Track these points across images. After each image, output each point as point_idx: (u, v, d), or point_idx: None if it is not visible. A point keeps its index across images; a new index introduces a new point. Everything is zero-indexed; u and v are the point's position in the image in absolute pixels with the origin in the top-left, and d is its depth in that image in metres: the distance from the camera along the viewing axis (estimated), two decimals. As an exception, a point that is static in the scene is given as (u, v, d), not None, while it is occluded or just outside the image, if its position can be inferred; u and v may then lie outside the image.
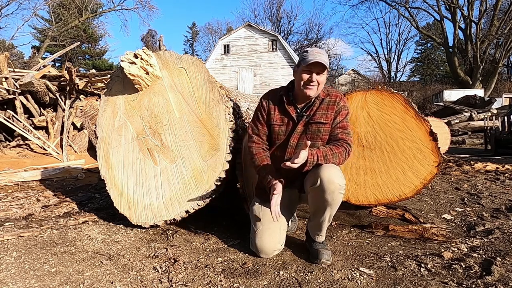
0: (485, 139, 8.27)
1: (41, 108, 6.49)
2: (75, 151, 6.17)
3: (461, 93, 17.87)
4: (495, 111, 11.80)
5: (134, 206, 2.33)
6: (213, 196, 2.19)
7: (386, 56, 37.66)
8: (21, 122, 5.97)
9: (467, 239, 2.06)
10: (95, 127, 4.80)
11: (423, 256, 1.82)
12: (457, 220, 2.48)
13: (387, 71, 37.55)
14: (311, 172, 1.74)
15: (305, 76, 1.79)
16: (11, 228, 2.35)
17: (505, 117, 7.86)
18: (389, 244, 2.03)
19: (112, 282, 1.60)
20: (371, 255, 1.87)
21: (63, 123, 6.37)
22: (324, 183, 1.66)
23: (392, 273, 1.65)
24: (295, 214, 2.29)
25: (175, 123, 2.28)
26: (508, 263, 1.70)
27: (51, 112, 6.57)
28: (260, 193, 2.01)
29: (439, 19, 24.86)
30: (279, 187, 1.78)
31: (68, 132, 6.30)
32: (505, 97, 19.69)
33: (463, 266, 1.68)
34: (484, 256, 1.79)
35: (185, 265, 1.77)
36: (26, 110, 6.24)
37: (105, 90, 2.53)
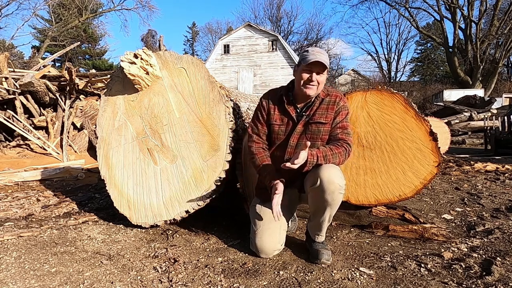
0: (485, 139, 8.27)
1: (41, 108, 6.50)
2: (75, 151, 6.17)
3: (461, 93, 17.87)
4: (495, 111, 11.80)
5: (134, 206, 2.33)
6: (213, 196, 2.19)
7: (386, 56, 37.70)
8: (21, 122, 5.97)
9: (467, 239, 2.06)
10: (95, 127, 4.80)
11: (423, 256, 1.82)
12: (457, 220, 2.48)
13: (387, 71, 37.58)
14: (311, 172, 1.74)
15: (305, 76, 1.79)
16: (11, 228, 2.35)
17: (505, 117, 7.86)
18: (389, 244, 2.03)
19: (112, 282, 1.60)
20: (371, 255, 1.87)
21: (63, 123, 6.37)
22: (324, 183, 1.66)
23: (392, 273, 1.65)
24: (295, 214, 2.29)
25: (175, 123, 2.28)
26: (508, 263, 1.70)
27: (51, 112, 6.57)
28: (260, 193, 2.01)
29: (439, 19, 24.86)
30: (280, 187, 1.77)
31: (68, 132, 6.30)
32: (505, 97, 19.70)
33: (463, 266, 1.68)
34: (484, 256, 1.79)
35: (185, 265, 1.77)
36: (26, 110, 6.25)
37: (105, 90, 2.53)
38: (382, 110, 2.37)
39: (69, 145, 6.17)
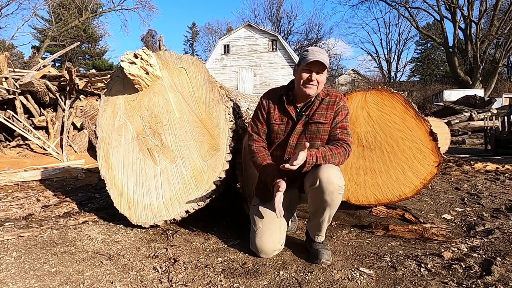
0: (485, 139, 8.27)
1: (41, 108, 6.50)
2: (75, 151, 6.17)
3: (461, 93, 17.87)
4: (495, 111, 11.81)
5: (134, 206, 2.33)
6: (213, 196, 2.19)
7: (386, 56, 37.69)
8: (21, 122, 5.97)
9: (467, 239, 2.06)
10: (95, 127, 4.80)
11: (423, 256, 1.82)
12: (457, 220, 2.48)
13: (387, 71, 37.58)
14: (310, 173, 1.74)
15: (305, 75, 1.79)
16: (11, 228, 2.35)
17: (505, 117, 7.86)
18: (389, 244, 2.03)
19: (112, 282, 1.60)
20: (371, 255, 1.87)
21: (63, 123, 6.37)
22: (323, 183, 1.66)
23: (392, 273, 1.65)
24: (295, 214, 2.29)
25: (175, 123, 2.28)
26: (508, 263, 1.70)
27: (51, 112, 6.57)
28: (260, 193, 2.00)
29: (439, 19, 24.86)
30: (283, 185, 1.76)
31: (68, 132, 6.30)
32: (505, 97, 19.70)
33: (463, 266, 1.68)
34: (484, 256, 1.79)
35: (185, 265, 1.77)
36: (26, 110, 6.25)
37: (105, 90, 2.53)
38: (382, 110, 2.37)
39: (69, 145, 6.17)
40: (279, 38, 25.88)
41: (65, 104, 6.57)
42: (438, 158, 2.30)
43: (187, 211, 2.19)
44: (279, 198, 1.74)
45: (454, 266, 1.68)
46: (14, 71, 6.78)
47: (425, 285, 1.52)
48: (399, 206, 2.60)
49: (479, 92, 18.34)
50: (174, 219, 2.23)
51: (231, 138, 2.14)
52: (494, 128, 8.23)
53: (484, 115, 10.83)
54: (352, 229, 2.31)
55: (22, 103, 6.13)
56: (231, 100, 2.33)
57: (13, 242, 2.08)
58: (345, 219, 2.55)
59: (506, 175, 4.23)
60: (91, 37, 32.63)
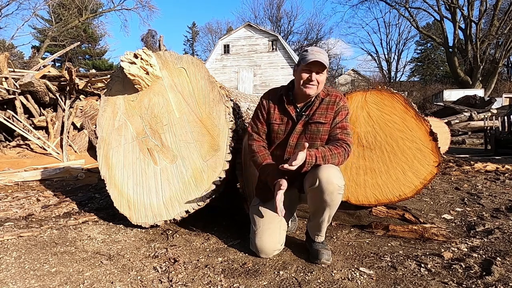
0: (485, 139, 8.27)
1: (41, 108, 6.50)
2: (75, 151, 6.17)
3: (461, 93, 17.87)
4: (495, 111, 11.81)
5: (134, 206, 2.33)
6: (213, 196, 2.19)
7: (386, 56, 37.70)
8: (21, 122, 5.97)
9: (467, 239, 2.06)
10: (95, 127, 4.80)
11: (423, 256, 1.82)
12: (457, 220, 2.48)
13: (387, 71, 37.58)
14: (310, 173, 1.73)
15: (305, 75, 1.79)
16: (11, 228, 2.35)
17: (505, 117, 7.86)
18: (389, 244, 2.03)
19: (112, 282, 1.60)
20: (371, 255, 1.87)
21: (63, 123, 6.37)
22: (322, 184, 1.65)
23: (392, 273, 1.65)
24: (295, 214, 2.29)
25: (175, 123, 2.28)
26: (508, 263, 1.70)
27: (51, 112, 6.57)
28: (260, 193, 2.00)
29: (439, 19, 24.86)
30: (284, 184, 1.76)
31: (68, 132, 6.30)
32: (505, 97, 19.70)
33: (463, 266, 1.68)
34: (484, 256, 1.79)
35: (185, 265, 1.77)
36: (26, 110, 6.25)
37: (105, 90, 2.53)
38: (382, 110, 2.37)
39: (69, 145, 6.17)
40: (279, 38, 25.88)
41: (65, 104, 6.58)
42: (438, 158, 2.30)
43: (187, 211, 2.19)
44: (280, 196, 1.74)
45: (454, 266, 1.68)
46: (14, 71, 6.78)
47: (425, 285, 1.52)
48: (399, 206, 2.60)
49: (479, 92, 18.34)
50: (174, 219, 2.23)
51: (231, 138, 2.14)
52: (494, 128, 8.23)
53: (484, 115, 10.83)
54: (352, 229, 2.31)
55: (22, 103, 6.13)
56: (231, 100, 2.33)
57: (13, 242, 2.08)
58: (345, 219, 2.55)
59: (506, 175, 4.23)
60: (91, 37, 32.63)
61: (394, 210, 2.52)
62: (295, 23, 43.86)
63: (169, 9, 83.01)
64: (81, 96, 7.14)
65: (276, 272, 1.68)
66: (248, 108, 2.82)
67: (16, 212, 2.77)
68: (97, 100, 7.08)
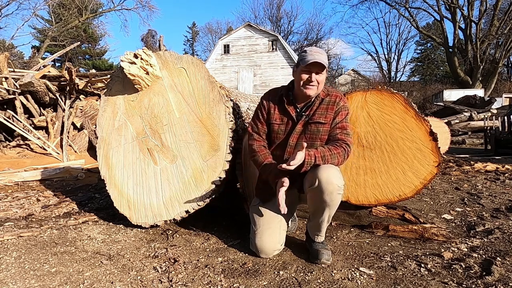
0: (485, 139, 8.27)
1: (41, 108, 6.50)
2: (75, 151, 6.17)
3: (461, 93, 17.87)
4: (495, 111, 11.80)
5: (134, 206, 2.33)
6: (213, 196, 2.19)
7: (386, 56, 37.70)
8: (21, 122, 5.97)
9: (467, 239, 2.06)
10: (95, 127, 4.80)
11: (423, 256, 1.82)
12: (457, 220, 2.48)
13: (387, 71, 37.58)
14: (310, 173, 1.73)
15: (305, 76, 1.79)
16: (11, 228, 2.35)
17: (505, 117, 7.86)
18: (389, 244, 2.03)
19: (112, 282, 1.60)
20: (371, 255, 1.87)
21: (63, 123, 6.37)
22: (322, 184, 1.65)
23: (392, 273, 1.65)
24: (295, 214, 2.29)
25: (175, 123, 2.28)
26: (508, 263, 1.70)
27: (51, 112, 6.57)
28: (260, 193, 2.00)
29: (439, 19, 24.86)
30: (286, 181, 1.76)
31: (68, 132, 6.30)
32: (505, 97, 19.70)
33: (463, 266, 1.68)
34: (484, 256, 1.79)
35: (185, 265, 1.77)
36: (26, 110, 6.25)
37: (105, 90, 2.53)
38: (382, 110, 2.37)
39: (69, 145, 6.17)
40: (279, 38, 25.88)
41: (65, 104, 6.58)
42: (438, 158, 2.30)
43: (187, 211, 2.19)
44: (282, 193, 1.74)
45: (454, 266, 1.68)
46: (14, 71, 6.78)
47: (425, 285, 1.52)
48: (399, 206, 2.60)
49: (479, 92, 18.34)
50: (174, 219, 2.23)
51: (231, 138, 2.14)
52: (494, 128, 8.23)
53: (484, 115, 10.83)
54: (352, 229, 2.31)
55: (22, 103, 6.13)
56: (231, 100, 2.33)
57: (13, 242, 2.08)
58: (345, 219, 2.55)
59: (506, 175, 4.23)
60: (91, 37, 32.63)
61: (394, 210, 2.52)
62: (295, 23, 43.94)
63: (169, 9, 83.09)
64: (81, 96, 7.14)
65: (276, 272, 1.68)
66: (248, 108, 2.82)
67: (16, 212, 2.78)
68: (97, 100, 7.08)
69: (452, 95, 19.59)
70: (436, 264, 1.72)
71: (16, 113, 6.01)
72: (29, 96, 6.22)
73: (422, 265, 1.71)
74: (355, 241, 2.10)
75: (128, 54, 2.27)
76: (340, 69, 41.02)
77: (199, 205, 2.17)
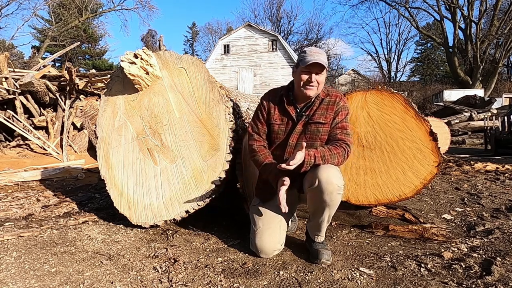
0: (485, 139, 8.27)
1: (41, 108, 6.50)
2: (75, 151, 6.17)
3: (461, 93, 17.87)
4: (495, 111, 11.80)
5: (134, 206, 2.33)
6: (213, 196, 2.19)
7: (386, 56, 37.69)
8: (21, 122, 5.97)
9: (467, 239, 2.06)
10: (95, 127, 4.80)
11: (423, 256, 1.82)
12: (457, 220, 2.48)
13: (387, 71, 37.58)
14: (310, 173, 1.73)
15: (304, 77, 1.79)
16: (11, 228, 2.35)
17: (505, 117, 7.86)
18: (389, 244, 2.03)
19: (112, 282, 1.60)
20: (371, 255, 1.87)
21: (63, 123, 6.37)
22: (322, 184, 1.65)
23: (392, 273, 1.65)
24: (295, 214, 2.29)
25: (175, 123, 2.28)
26: (508, 263, 1.70)
27: (51, 112, 6.57)
28: (260, 193, 2.00)
29: (439, 19, 24.86)
30: (287, 180, 1.76)
31: (68, 132, 6.30)
32: (505, 97, 19.70)
33: (463, 266, 1.68)
34: (484, 256, 1.79)
35: (185, 265, 1.77)
36: (26, 110, 6.25)
37: (105, 90, 2.53)
38: (382, 110, 2.37)
39: (69, 145, 6.17)
40: (279, 38, 25.88)
41: (65, 104, 6.58)
42: (438, 158, 2.30)
43: (187, 211, 2.19)
44: (283, 192, 1.74)
45: (454, 266, 1.68)
46: (14, 71, 6.78)
47: (425, 285, 1.52)
48: (399, 206, 2.60)
49: (479, 92, 18.33)
50: (174, 219, 2.23)
51: (231, 138, 2.14)
52: (494, 128, 8.23)
53: (484, 115, 10.83)
54: (352, 229, 2.31)
55: (22, 103, 6.13)
56: (231, 100, 2.33)
57: (13, 242, 2.08)
58: (345, 219, 2.55)
59: (506, 175, 4.23)
60: (91, 37, 32.63)
61: (394, 210, 2.52)
62: (295, 23, 43.92)
63: (169, 9, 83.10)
64: (81, 96, 7.14)
65: (276, 272, 1.68)
66: (248, 108, 2.82)
67: (16, 212, 2.78)
68: (97, 100, 7.08)
69: (452, 95, 19.59)
70: (436, 264, 1.72)
71: (16, 113, 6.01)
72: (29, 96, 6.22)
73: (422, 265, 1.71)
74: (355, 241, 2.10)
75: (128, 54, 2.27)
76: (340, 69, 41.06)
77: (199, 205, 2.17)
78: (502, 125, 7.78)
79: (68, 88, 6.77)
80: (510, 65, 32.69)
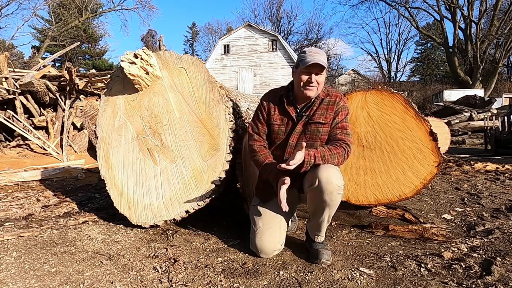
0: (485, 139, 8.27)
1: (41, 108, 6.50)
2: (75, 151, 6.17)
3: (461, 93, 17.87)
4: (495, 111, 11.81)
5: (134, 206, 2.33)
6: (213, 196, 2.19)
7: (386, 56, 37.69)
8: (21, 122, 5.97)
9: (467, 239, 2.06)
10: (95, 127, 4.80)
11: (423, 256, 1.82)
12: (457, 220, 2.48)
13: (387, 71, 37.57)
14: (310, 173, 1.73)
15: (304, 78, 1.79)
16: (11, 228, 2.35)
17: (505, 117, 7.86)
18: (389, 244, 2.03)
19: (112, 282, 1.60)
20: (371, 255, 1.87)
21: (63, 123, 6.37)
22: (322, 183, 1.65)
23: (392, 273, 1.65)
24: (295, 214, 2.29)
25: (175, 123, 2.28)
26: (508, 263, 1.70)
27: (51, 112, 6.57)
28: (260, 193, 2.00)
29: (439, 19, 24.86)
30: (288, 180, 1.76)
31: (68, 132, 6.30)
32: (505, 97, 19.70)
33: (463, 266, 1.68)
34: (484, 256, 1.79)
35: (185, 265, 1.77)
36: (26, 110, 6.25)
37: (105, 90, 2.53)
38: (382, 110, 2.37)
39: (69, 145, 6.17)
40: (279, 38, 25.88)
41: (65, 104, 6.58)
42: (438, 158, 2.30)
43: (187, 211, 2.19)
44: (283, 191, 1.73)
45: (454, 266, 1.68)
46: (14, 71, 6.78)
47: (425, 285, 1.52)
48: (399, 206, 2.60)
49: (479, 92, 18.33)
50: (174, 219, 2.23)
51: (231, 138, 2.14)
52: (494, 128, 8.23)
53: (484, 115, 10.83)
54: (352, 229, 2.31)
55: (22, 103, 6.13)
56: (231, 100, 2.33)
57: (13, 242, 2.08)
58: (345, 219, 2.55)
59: (506, 175, 4.23)
60: (91, 37, 32.63)
61: (394, 210, 2.52)
62: (295, 23, 43.91)
63: (169, 9, 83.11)
64: (81, 96, 7.14)
65: (276, 272, 1.68)
66: (248, 108, 2.82)
67: (16, 212, 2.78)
68: (97, 100, 7.08)
69: (452, 95, 19.59)
70: (436, 264, 1.72)
71: (16, 113, 6.01)
72: (29, 96, 6.22)
73: (422, 265, 1.71)
74: (355, 241, 2.10)
75: (128, 54, 2.27)
76: (340, 69, 41.05)
77: (199, 205, 2.17)
78: (502, 125, 7.78)
79: (68, 88, 6.77)
80: (510, 65, 32.70)
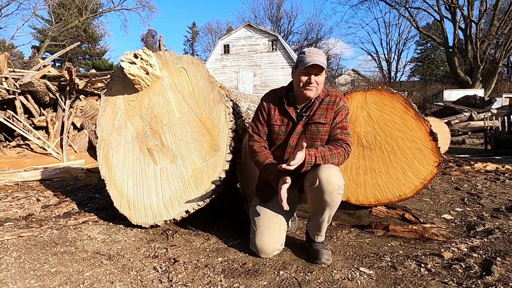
0: (485, 139, 8.27)
1: (41, 108, 6.50)
2: (75, 151, 6.17)
3: (461, 93, 17.87)
4: (495, 111, 11.81)
5: (134, 206, 2.33)
6: (213, 196, 2.19)
7: (386, 56, 37.69)
8: (21, 122, 5.97)
9: (467, 239, 2.06)
10: (95, 127, 4.80)
11: (423, 256, 1.82)
12: (457, 220, 2.48)
13: (387, 71, 37.57)
14: (310, 173, 1.73)
15: (304, 78, 1.79)
16: (11, 228, 2.35)
17: (505, 117, 7.86)
18: (389, 244, 2.03)
19: (112, 282, 1.60)
20: (371, 255, 1.87)
21: (63, 123, 6.37)
22: (322, 183, 1.65)
23: (392, 273, 1.65)
24: (295, 214, 2.29)
25: (175, 123, 2.28)
26: (508, 263, 1.70)
27: (51, 112, 6.57)
28: (260, 193, 2.01)
29: (439, 19, 24.87)
30: (288, 179, 1.75)
31: (68, 132, 6.30)
32: (505, 97, 19.70)
33: (463, 266, 1.68)
34: (484, 256, 1.79)
35: (185, 265, 1.77)
36: (26, 110, 6.25)
37: (105, 90, 2.53)
38: (382, 110, 2.37)
39: (69, 145, 6.17)
40: (279, 38, 25.88)
41: (65, 104, 6.58)
42: (438, 158, 2.30)
43: (187, 211, 2.19)
44: (284, 191, 1.73)
45: (454, 266, 1.68)
46: (14, 71, 6.78)
47: (425, 285, 1.52)
48: (399, 206, 2.60)
49: (479, 92, 18.34)
50: (174, 219, 2.23)
51: (231, 138, 2.14)
52: (494, 128, 8.23)
53: (484, 115, 10.84)
54: (352, 229, 2.31)
55: (22, 103, 6.13)
56: (231, 100, 2.33)
57: (13, 242, 2.08)
58: (345, 219, 2.55)
59: (506, 175, 4.23)
60: (91, 37, 32.63)
61: (394, 210, 2.52)
62: (295, 23, 43.89)
63: (169, 9, 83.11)
64: (81, 96, 7.14)
65: (276, 272, 1.68)
66: (248, 108, 2.82)
67: (16, 212, 2.78)
68: (97, 100, 7.08)
69: (452, 95, 19.59)
70: (436, 264, 1.72)
71: (16, 113, 6.01)
72: (29, 96, 6.22)
73: (422, 265, 1.71)
74: (355, 241, 2.10)
75: (128, 54, 2.27)
76: (340, 69, 41.03)
77: (199, 205, 2.17)
78: (502, 125, 7.78)
79: (68, 88, 6.77)
80: (510, 65, 32.70)
